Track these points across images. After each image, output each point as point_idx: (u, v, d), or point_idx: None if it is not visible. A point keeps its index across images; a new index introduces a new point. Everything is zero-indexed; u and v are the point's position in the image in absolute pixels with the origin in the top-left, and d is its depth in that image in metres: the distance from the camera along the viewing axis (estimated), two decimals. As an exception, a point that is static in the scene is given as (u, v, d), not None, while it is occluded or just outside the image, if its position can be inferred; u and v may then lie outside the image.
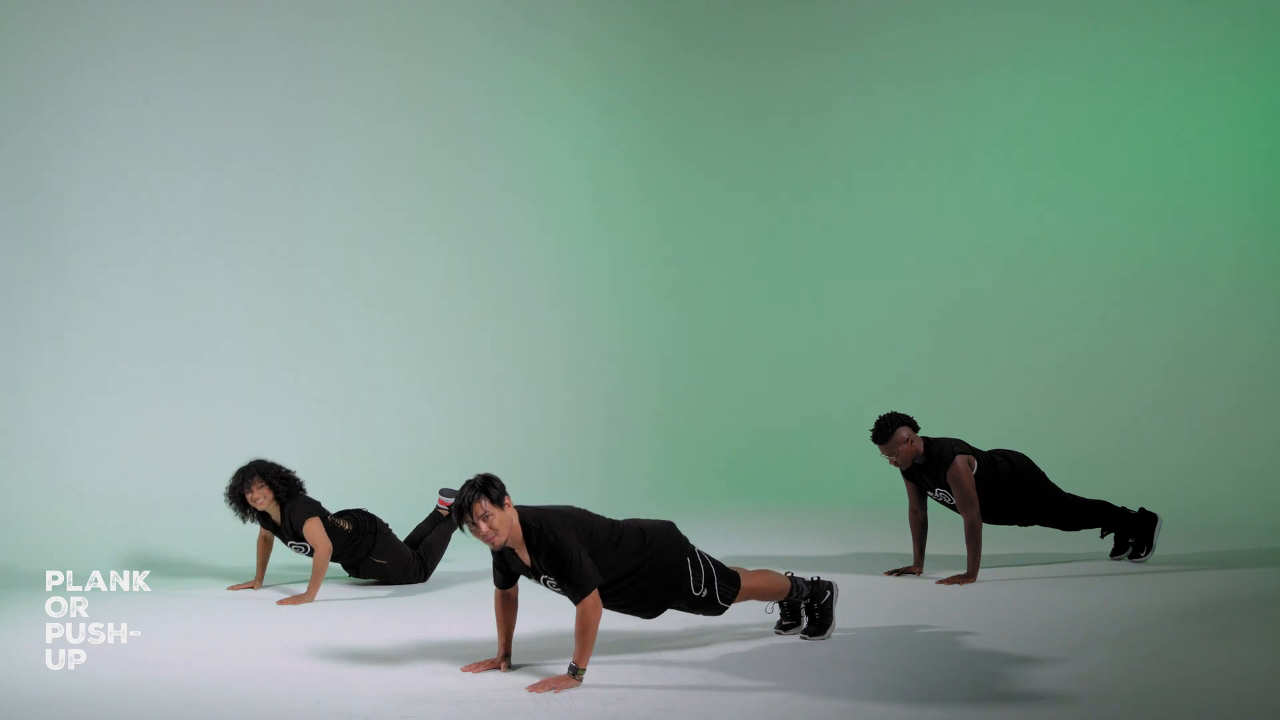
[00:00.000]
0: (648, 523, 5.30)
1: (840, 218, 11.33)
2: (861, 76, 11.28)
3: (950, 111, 10.85)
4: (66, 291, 8.26)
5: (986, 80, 10.70)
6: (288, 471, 6.92)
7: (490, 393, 10.26)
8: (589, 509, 5.24)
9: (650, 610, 5.30)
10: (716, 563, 5.38)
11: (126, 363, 8.45)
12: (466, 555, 7.66)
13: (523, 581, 5.22)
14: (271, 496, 6.85)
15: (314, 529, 6.79)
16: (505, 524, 4.95)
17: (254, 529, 7.16)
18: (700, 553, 5.34)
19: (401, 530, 7.38)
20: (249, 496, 6.83)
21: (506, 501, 4.97)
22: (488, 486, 4.95)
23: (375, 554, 7.05)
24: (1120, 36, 10.10)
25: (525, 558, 5.03)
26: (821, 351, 11.27)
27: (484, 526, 4.92)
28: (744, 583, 5.40)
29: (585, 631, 4.90)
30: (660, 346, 11.36)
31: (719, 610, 5.37)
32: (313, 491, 7.06)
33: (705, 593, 5.28)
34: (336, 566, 7.39)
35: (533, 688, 4.83)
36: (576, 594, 4.91)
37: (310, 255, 9.39)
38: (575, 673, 4.87)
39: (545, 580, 5.08)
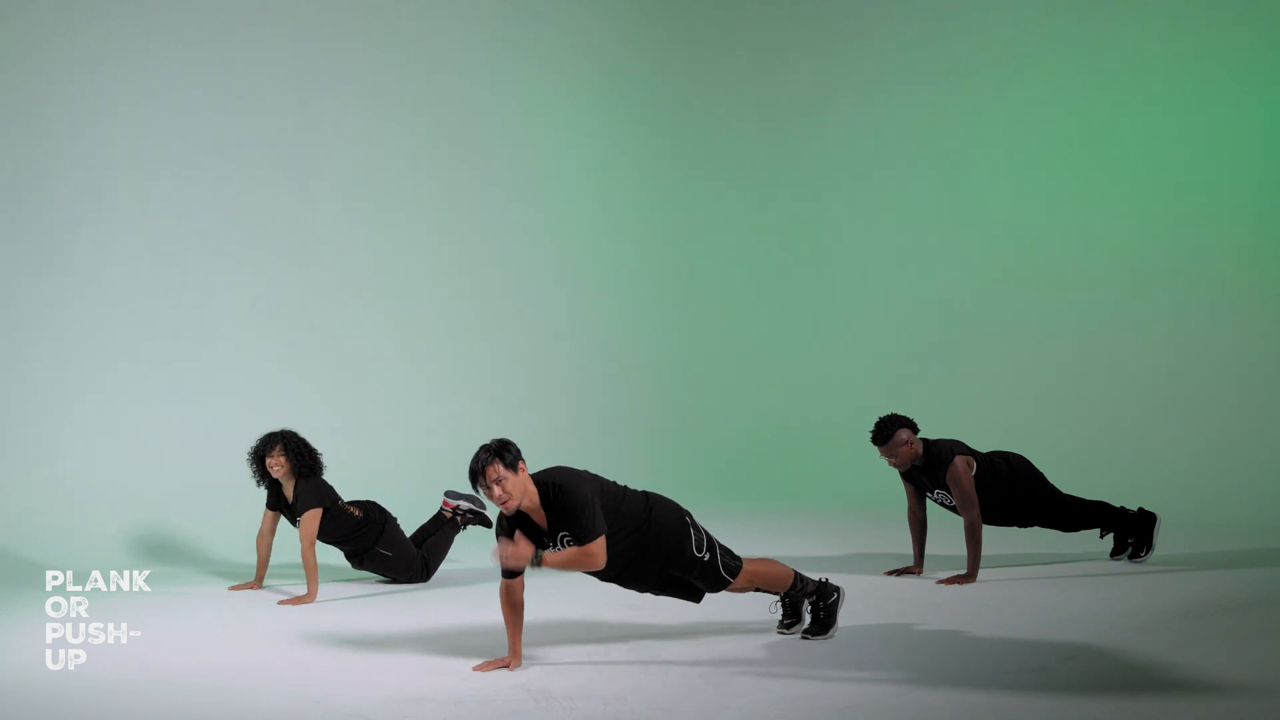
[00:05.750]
0: (651, 493, 5.37)
1: (840, 218, 11.32)
2: (861, 76, 11.28)
3: (951, 111, 10.85)
4: (66, 291, 8.26)
5: (987, 80, 10.70)
6: (312, 449, 6.94)
7: (490, 392, 10.26)
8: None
9: (650, 577, 5.30)
10: (719, 541, 5.41)
11: (126, 362, 8.45)
12: (469, 556, 7.66)
13: (530, 579, 5.23)
14: (288, 469, 6.87)
15: (309, 523, 6.79)
16: (519, 488, 4.97)
17: (254, 525, 7.14)
18: (700, 524, 5.39)
19: (404, 530, 7.38)
20: (268, 461, 6.87)
21: (521, 466, 5.00)
22: (502, 451, 4.97)
23: (382, 544, 7.07)
24: (1121, 36, 10.10)
25: (542, 520, 5.06)
26: (821, 352, 11.27)
27: (498, 490, 4.95)
28: (747, 565, 5.42)
29: (576, 560, 4.97)
30: (660, 346, 11.35)
31: (721, 582, 5.36)
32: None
33: (707, 556, 5.30)
34: (338, 562, 7.39)
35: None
36: (583, 538, 4.96)
37: (310, 255, 9.39)
38: (537, 563, 4.92)
39: (562, 539, 5.08)
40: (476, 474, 4.98)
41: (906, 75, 11.04)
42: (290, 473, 6.89)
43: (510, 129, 10.61)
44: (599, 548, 4.97)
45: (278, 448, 6.86)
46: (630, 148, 11.35)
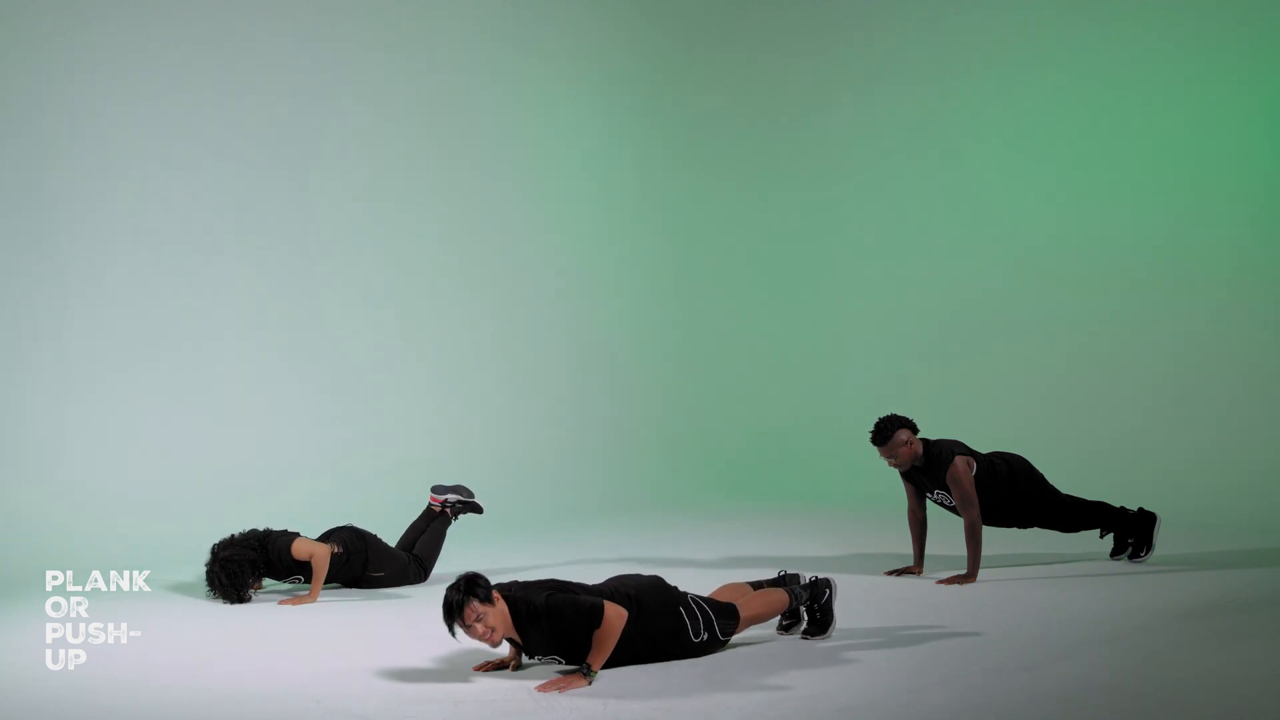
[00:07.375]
0: (635, 585, 5.23)
1: (840, 217, 11.31)
2: (862, 76, 11.27)
3: (951, 112, 10.84)
4: (66, 291, 8.26)
5: (987, 79, 10.68)
6: (241, 561, 6.67)
7: (490, 392, 10.25)
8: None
9: (651, 661, 5.25)
10: (710, 601, 5.34)
11: (126, 363, 8.44)
12: (468, 555, 7.65)
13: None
14: (259, 580, 6.80)
15: (302, 545, 6.73)
16: (500, 619, 4.86)
17: (254, 525, 7.11)
18: (691, 598, 5.29)
19: (395, 531, 7.37)
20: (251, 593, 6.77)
21: (495, 596, 4.86)
22: (474, 587, 4.81)
23: (371, 568, 7.00)
24: (1122, 36, 10.09)
25: (518, 638, 4.98)
26: (822, 352, 11.26)
27: (480, 628, 4.82)
28: (743, 613, 5.36)
29: (606, 638, 4.88)
30: (660, 346, 11.34)
31: (723, 646, 5.35)
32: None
33: (706, 636, 5.23)
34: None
35: (540, 687, 4.82)
36: (595, 622, 4.86)
37: (310, 255, 9.38)
38: (587, 672, 4.86)
39: (540, 659, 5.03)
40: (453, 616, 4.80)
41: (906, 75, 11.03)
42: (262, 576, 6.79)
43: (510, 129, 10.59)
44: (616, 614, 4.85)
45: (253, 583, 6.70)
46: (630, 147, 11.34)
